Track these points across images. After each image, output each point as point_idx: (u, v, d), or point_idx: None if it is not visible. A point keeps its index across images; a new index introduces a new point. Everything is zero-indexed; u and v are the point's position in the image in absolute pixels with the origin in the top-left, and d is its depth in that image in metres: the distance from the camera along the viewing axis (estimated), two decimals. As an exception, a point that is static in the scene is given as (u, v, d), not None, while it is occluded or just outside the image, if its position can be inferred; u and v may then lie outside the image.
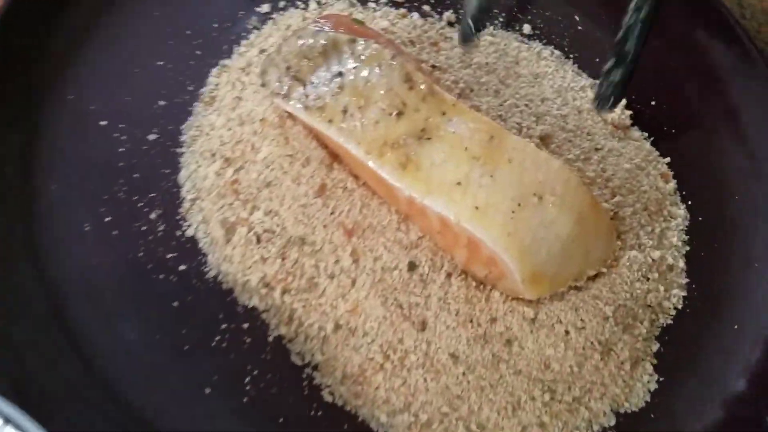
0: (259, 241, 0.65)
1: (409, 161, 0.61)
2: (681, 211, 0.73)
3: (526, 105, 0.76)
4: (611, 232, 0.66)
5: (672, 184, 0.75)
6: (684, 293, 0.68)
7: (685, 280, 0.69)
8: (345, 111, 0.63)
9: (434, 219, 0.62)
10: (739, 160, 0.73)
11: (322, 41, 0.65)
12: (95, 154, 0.67)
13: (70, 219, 0.64)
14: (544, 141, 0.74)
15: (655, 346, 0.66)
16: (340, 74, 0.64)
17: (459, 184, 0.60)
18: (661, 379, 0.64)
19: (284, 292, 0.64)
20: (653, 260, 0.69)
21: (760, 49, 0.75)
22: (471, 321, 0.63)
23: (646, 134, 0.77)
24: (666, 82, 0.78)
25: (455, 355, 0.62)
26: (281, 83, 0.66)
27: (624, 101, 0.78)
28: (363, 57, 0.63)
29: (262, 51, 0.74)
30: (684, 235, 0.71)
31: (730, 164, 0.73)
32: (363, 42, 0.64)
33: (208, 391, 0.59)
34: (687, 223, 0.72)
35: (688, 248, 0.71)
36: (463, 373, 0.61)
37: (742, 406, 0.61)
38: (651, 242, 0.70)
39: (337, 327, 0.63)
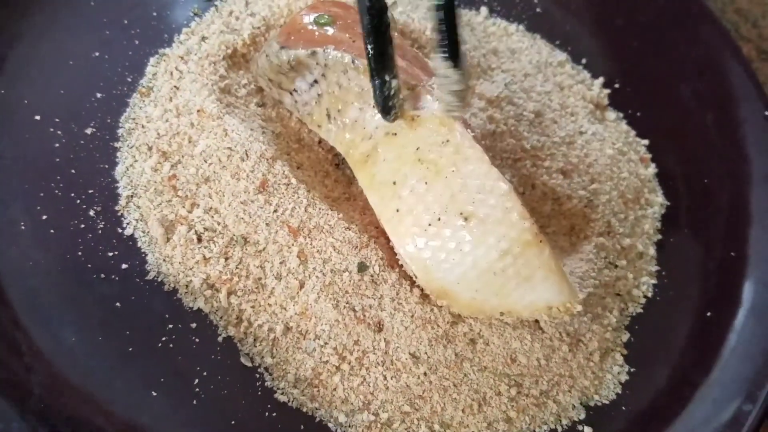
0: (200, 240, 0.67)
1: (371, 155, 0.64)
2: (659, 198, 0.78)
3: (512, 79, 0.81)
4: (560, 283, 0.62)
5: (651, 169, 0.80)
6: (654, 281, 0.73)
7: (655, 268, 0.74)
8: (328, 115, 0.68)
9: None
10: (716, 146, 0.80)
11: (287, 59, 0.68)
12: (30, 150, 0.69)
13: (5, 218, 0.65)
14: (537, 117, 0.78)
15: (625, 336, 0.69)
16: (315, 82, 0.68)
17: (394, 183, 0.63)
18: (632, 369, 0.68)
19: (230, 293, 0.66)
20: (622, 247, 0.73)
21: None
22: (429, 322, 0.65)
23: (621, 114, 0.83)
24: (633, 62, 0.85)
25: (416, 356, 0.64)
26: (272, 91, 0.72)
27: (601, 79, 0.84)
28: (327, 66, 0.66)
29: (203, 38, 0.77)
30: (657, 223, 0.76)
31: (706, 149, 0.80)
32: (322, 52, 0.66)
33: (154, 393, 0.61)
34: (663, 211, 0.77)
35: (659, 236, 0.76)
36: (425, 374, 0.64)
37: (716, 395, 0.65)
38: (623, 229, 0.74)
39: (287, 329, 0.65)
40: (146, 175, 0.70)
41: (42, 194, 0.68)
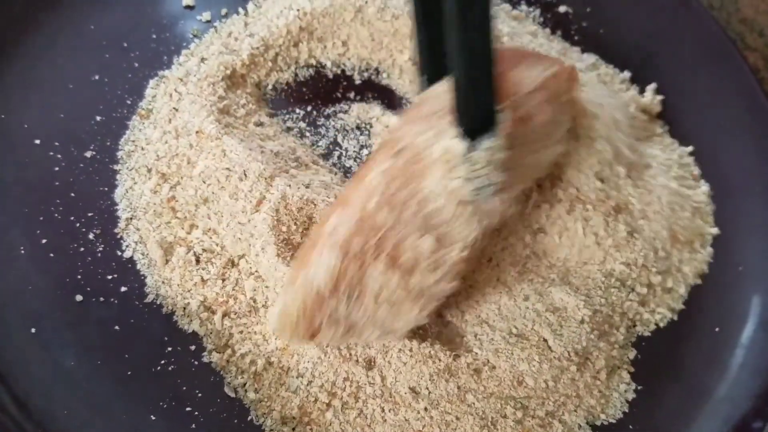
0: (198, 261, 0.67)
1: None
2: (713, 230, 0.75)
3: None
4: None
5: (704, 187, 0.77)
6: (674, 317, 0.71)
7: (680, 306, 0.71)
8: None
9: None
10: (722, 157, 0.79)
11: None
12: (29, 174, 0.69)
13: (4, 241, 0.65)
14: None
15: (632, 354, 0.68)
16: None
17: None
18: (639, 387, 0.66)
19: (225, 315, 0.65)
20: (650, 282, 0.71)
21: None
22: (430, 357, 0.63)
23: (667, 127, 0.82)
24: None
25: (416, 391, 0.62)
26: None
27: (654, 84, 0.82)
28: None
29: (202, 60, 0.77)
30: (705, 267, 0.73)
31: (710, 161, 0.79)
32: None
33: (153, 418, 0.60)
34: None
35: (699, 281, 0.73)
36: (425, 409, 0.62)
37: (725, 412, 0.63)
38: (656, 268, 0.71)
39: (269, 364, 0.64)
40: (145, 197, 0.70)
41: (41, 218, 0.68)
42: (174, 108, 0.75)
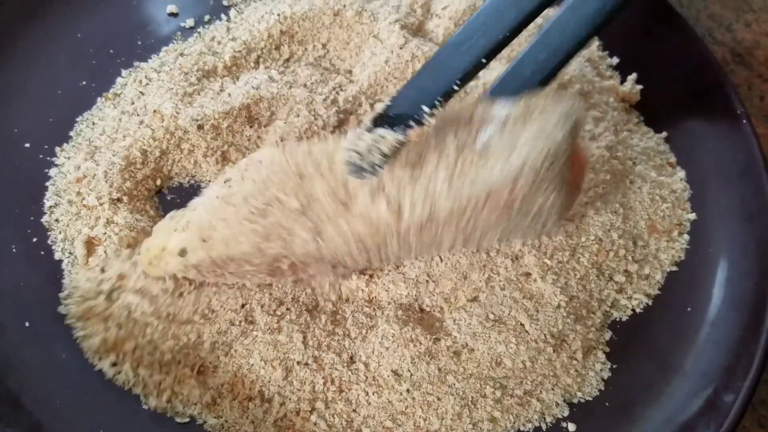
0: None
1: None
2: (690, 215, 0.76)
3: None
4: None
5: (680, 173, 0.78)
6: (649, 302, 0.71)
7: (656, 292, 0.72)
8: None
9: None
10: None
11: None
12: (20, 176, 0.71)
13: None
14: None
15: (608, 335, 0.69)
16: None
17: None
18: (614, 366, 0.67)
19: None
20: (626, 270, 0.71)
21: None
22: (412, 341, 0.64)
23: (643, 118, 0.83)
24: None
25: (398, 373, 0.63)
26: None
27: (634, 74, 0.83)
28: None
29: (181, 54, 0.79)
30: (681, 255, 0.74)
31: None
32: None
33: (144, 408, 0.62)
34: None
35: (675, 268, 0.73)
36: (407, 390, 0.63)
37: (698, 388, 0.64)
38: (633, 256, 0.72)
39: (219, 396, 0.63)
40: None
41: (32, 218, 0.69)
42: (140, 92, 0.76)
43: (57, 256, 0.68)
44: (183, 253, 0.62)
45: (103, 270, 0.66)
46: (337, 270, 0.66)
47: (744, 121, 0.77)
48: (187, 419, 0.62)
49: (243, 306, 0.66)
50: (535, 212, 0.62)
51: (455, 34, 0.64)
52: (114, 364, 0.63)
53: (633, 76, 0.83)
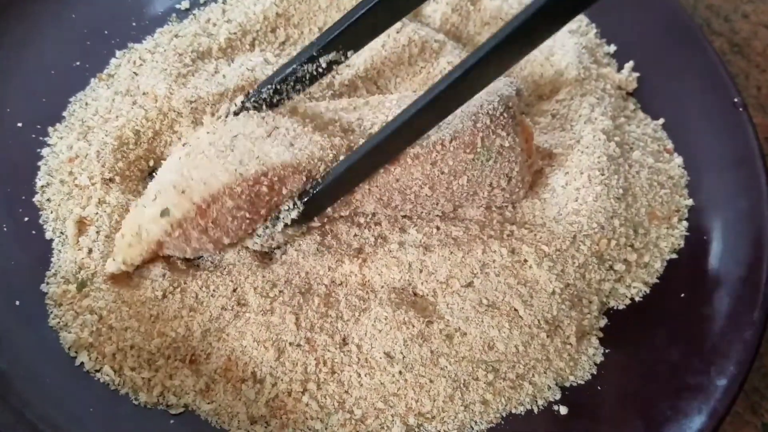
0: None
1: None
2: (687, 201, 0.76)
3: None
4: None
5: (677, 160, 0.78)
6: (647, 290, 0.71)
7: (655, 281, 0.71)
8: None
9: None
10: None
11: None
12: (12, 155, 0.70)
13: None
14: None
15: (603, 321, 0.69)
16: None
17: None
18: (607, 351, 0.67)
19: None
20: (626, 260, 0.71)
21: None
22: (405, 323, 0.64)
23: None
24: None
25: (390, 355, 0.63)
26: None
27: (631, 62, 0.83)
28: None
29: (176, 36, 0.78)
30: (681, 242, 0.73)
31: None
32: None
33: (136, 403, 0.60)
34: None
35: (675, 256, 0.73)
36: (400, 372, 0.62)
37: (691, 373, 0.64)
38: (635, 244, 0.72)
39: (212, 381, 0.63)
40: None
41: (23, 197, 0.69)
42: (134, 72, 0.75)
43: (48, 235, 0.67)
44: (165, 213, 0.62)
45: (90, 251, 0.66)
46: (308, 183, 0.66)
47: (740, 110, 0.76)
48: (182, 410, 0.61)
49: (234, 290, 0.66)
50: (497, 154, 0.66)
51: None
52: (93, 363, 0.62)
53: (630, 64, 0.83)
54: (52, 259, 0.66)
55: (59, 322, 0.63)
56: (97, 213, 0.67)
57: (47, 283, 0.64)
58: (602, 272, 0.70)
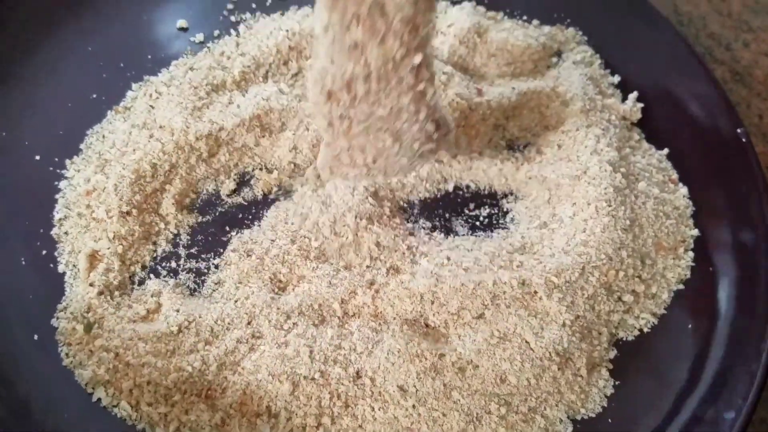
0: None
1: None
2: (692, 231, 0.76)
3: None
4: None
5: (682, 191, 0.78)
6: (656, 321, 0.71)
7: (663, 312, 0.71)
8: None
9: None
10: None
11: None
12: (30, 188, 0.71)
13: (6, 252, 0.67)
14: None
15: (612, 353, 0.69)
16: None
17: None
18: (617, 383, 0.67)
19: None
20: (634, 291, 0.71)
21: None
22: (418, 356, 0.64)
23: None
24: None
25: (404, 389, 0.63)
26: None
27: (635, 93, 0.83)
28: None
29: (191, 69, 0.79)
30: (687, 273, 0.74)
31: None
32: None
33: None
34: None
35: (682, 287, 0.73)
36: (413, 406, 0.62)
37: (700, 406, 0.64)
38: (643, 275, 0.72)
39: (228, 417, 0.63)
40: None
41: (41, 230, 0.69)
42: (151, 105, 0.76)
43: (60, 268, 0.68)
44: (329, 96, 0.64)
45: (100, 293, 0.66)
46: None
47: (743, 139, 0.77)
48: None
49: (249, 323, 0.66)
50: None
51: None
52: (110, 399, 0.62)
53: (634, 95, 0.83)
54: (66, 293, 0.67)
55: (72, 362, 0.63)
56: (108, 248, 0.68)
57: (57, 318, 0.65)
58: (611, 303, 0.70)
